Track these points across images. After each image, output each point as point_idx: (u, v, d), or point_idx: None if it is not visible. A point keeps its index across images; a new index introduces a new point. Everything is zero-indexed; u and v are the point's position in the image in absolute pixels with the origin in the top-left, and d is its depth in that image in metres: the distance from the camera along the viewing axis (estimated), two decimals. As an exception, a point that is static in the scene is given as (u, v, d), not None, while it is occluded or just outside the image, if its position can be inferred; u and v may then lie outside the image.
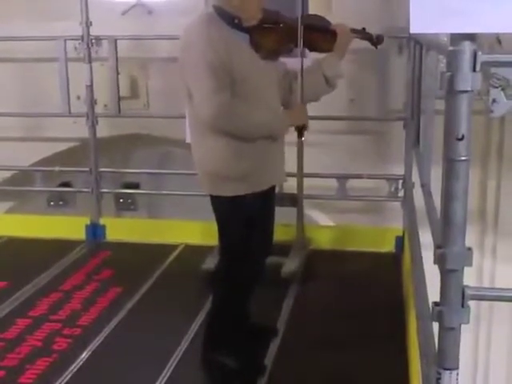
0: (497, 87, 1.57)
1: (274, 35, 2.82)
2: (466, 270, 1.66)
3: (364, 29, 3.01)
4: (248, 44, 2.75)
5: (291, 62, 2.97)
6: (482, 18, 1.50)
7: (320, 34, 2.91)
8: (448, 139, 1.59)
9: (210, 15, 2.75)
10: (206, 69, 2.61)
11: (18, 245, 4.68)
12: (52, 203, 5.10)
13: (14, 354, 3.17)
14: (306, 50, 2.98)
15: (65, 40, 4.59)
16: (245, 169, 2.77)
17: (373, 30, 3.05)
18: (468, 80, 1.53)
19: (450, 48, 1.55)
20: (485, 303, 4.42)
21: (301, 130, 2.90)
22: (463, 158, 1.58)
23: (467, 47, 1.53)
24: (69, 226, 4.79)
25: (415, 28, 1.53)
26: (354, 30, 2.97)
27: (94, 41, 4.55)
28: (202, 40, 2.66)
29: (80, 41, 4.53)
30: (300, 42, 2.83)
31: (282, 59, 2.97)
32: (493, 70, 1.57)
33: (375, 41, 3.03)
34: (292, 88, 2.96)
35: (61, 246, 4.59)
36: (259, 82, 2.75)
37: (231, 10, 2.71)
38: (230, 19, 2.71)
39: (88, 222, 4.79)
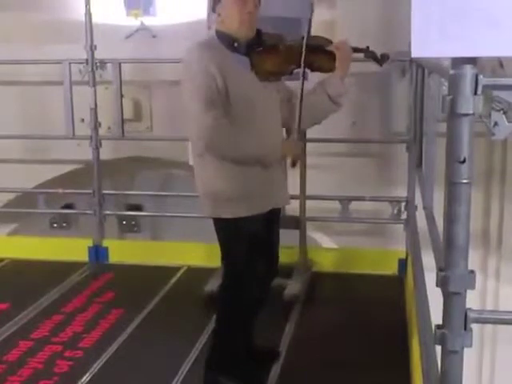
0: (498, 110, 1.58)
1: (274, 57, 2.82)
2: (469, 292, 1.65)
3: (368, 47, 2.99)
4: (248, 67, 2.76)
5: (293, 85, 2.98)
6: (483, 42, 1.51)
7: (321, 54, 2.89)
8: (450, 162, 1.59)
9: (210, 38, 2.80)
10: (197, 90, 2.65)
11: (21, 267, 4.68)
12: (55, 225, 5.12)
13: (15, 376, 3.15)
14: (308, 71, 2.97)
15: (69, 63, 4.63)
16: (246, 191, 2.78)
17: (376, 51, 3.05)
18: (469, 103, 1.54)
19: (452, 72, 1.56)
20: (488, 326, 4.40)
21: (294, 161, 2.84)
22: (465, 181, 1.58)
23: (468, 71, 1.53)
24: (72, 248, 4.80)
25: (417, 52, 1.54)
26: (357, 49, 2.95)
27: (98, 64, 4.59)
28: (195, 62, 2.70)
29: (85, 64, 4.57)
30: (302, 63, 2.80)
31: (285, 82, 2.99)
32: (494, 93, 1.58)
33: (380, 59, 3.01)
34: (295, 108, 2.95)
35: (63, 268, 4.58)
36: (259, 104, 2.77)
37: (227, 31, 2.75)
38: (229, 42, 2.75)
39: (91, 244, 4.80)
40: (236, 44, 2.75)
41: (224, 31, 2.76)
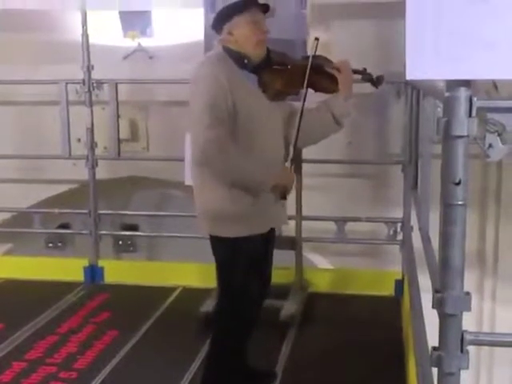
0: (493, 132, 1.59)
1: (282, 77, 2.84)
2: (466, 314, 1.65)
3: (365, 69, 3.02)
4: (256, 85, 2.78)
5: (296, 105, 2.98)
6: (478, 65, 1.53)
7: (326, 75, 2.90)
8: (445, 184, 1.60)
9: (219, 55, 2.79)
10: (204, 105, 2.64)
11: (16, 287, 4.65)
12: (50, 245, 5.10)
13: (8, 398, 3.13)
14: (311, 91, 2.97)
15: (66, 83, 4.65)
16: (246, 210, 2.77)
17: (372, 73, 3.07)
18: (464, 125, 1.55)
19: (446, 94, 1.57)
20: (485, 348, 4.38)
21: (284, 192, 2.81)
22: (460, 203, 1.59)
23: (463, 93, 1.55)
24: (67, 268, 4.78)
25: (411, 74, 1.55)
26: (356, 71, 2.97)
27: (95, 84, 4.60)
28: (205, 77, 2.70)
29: (81, 84, 4.59)
30: (305, 83, 2.80)
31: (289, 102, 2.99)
32: (489, 115, 1.59)
33: (375, 81, 3.03)
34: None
35: (59, 288, 4.56)
36: (264, 122, 2.78)
37: (234, 47, 2.76)
38: (239, 59, 2.76)
39: (86, 264, 4.78)
40: (246, 61, 2.77)
41: (234, 49, 2.77)
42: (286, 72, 2.85)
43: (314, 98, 2.94)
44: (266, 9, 2.83)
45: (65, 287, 4.59)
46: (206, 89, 2.67)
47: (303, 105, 2.79)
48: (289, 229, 4.20)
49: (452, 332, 1.63)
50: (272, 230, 2.97)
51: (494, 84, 3.77)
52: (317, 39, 2.82)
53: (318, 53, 2.86)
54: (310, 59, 2.81)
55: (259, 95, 2.79)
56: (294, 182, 2.89)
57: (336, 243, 4.71)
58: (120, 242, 5.54)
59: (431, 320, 2.06)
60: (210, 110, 2.63)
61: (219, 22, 2.81)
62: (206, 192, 2.81)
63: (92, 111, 4.61)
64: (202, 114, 2.65)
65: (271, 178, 2.77)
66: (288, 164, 2.84)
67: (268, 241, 2.95)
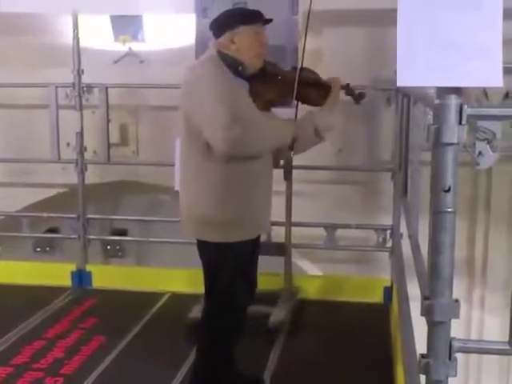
0: (483, 140, 1.59)
1: (273, 87, 2.87)
2: (454, 321, 1.65)
3: (348, 84, 3.08)
4: (247, 92, 2.78)
5: (282, 113, 2.99)
6: (468, 72, 1.53)
7: (314, 88, 2.95)
8: (435, 191, 1.60)
9: (213, 58, 2.77)
10: (217, 103, 2.61)
11: (3, 291, 4.61)
12: (38, 249, 5.06)
13: (-6, 403, 3.11)
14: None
15: (56, 87, 4.63)
16: (234, 215, 2.77)
17: (362, 81, 3.10)
18: (454, 133, 1.55)
19: (437, 101, 1.57)
20: (474, 355, 4.39)
21: (293, 142, 2.86)
22: (450, 210, 1.59)
23: (453, 101, 1.55)
24: (55, 273, 4.75)
25: (402, 81, 1.56)
26: (342, 87, 3.03)
27: (85, 88, 4.59)
28: (207, 77, 2.69)
29: (71, 88, 4.57)
30: (294, 95, 2.84)
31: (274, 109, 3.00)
32: (479, 122, 1.59)
33: (357, 96, 3.10)
34: None
35: (46, 293, 4.53)
36: None
37: (232, 54, 2.76)
38: (233, 66, 2.75)
39: (74, 269, 4.75)
40: (240, 68, 2.76)
41: (231, 55, 2.76)
42: (276, 83, 2.88)
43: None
44: (267, 22, 2.83)
45: (52, 292, 4.56)
46: (211, 88, 2.64)
47: (296, 115, 2.82)
48: (278, 235, 4.20)
49: (440, 339, 1.63)
50: (259, 236, 2.97)
51: (485, 92, 3.79)
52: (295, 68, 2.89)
53: (309, 59, 2.88)
54: (298, 73, 2.86)
55: (250, 103, 2.79)
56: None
57: (325, 250, 4.70)
58: (108, 247, 5.53)
59: (420, 327, 2.06)
60: (223, 106, 2.60)
61: (222, 26, 2.79)
62: (195, 197, 2.80)
63: (82, 115, 4.59)
64: (215, 111, 2.60)
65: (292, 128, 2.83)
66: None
67: (255, 246, 2.95)
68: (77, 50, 4.49)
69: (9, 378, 3.35)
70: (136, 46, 5.15)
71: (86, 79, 4.58)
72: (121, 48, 5.12)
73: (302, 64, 2.91)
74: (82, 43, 4.54)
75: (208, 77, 2.70)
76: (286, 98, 2.92)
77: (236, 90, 2.72)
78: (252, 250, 2.90)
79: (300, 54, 3.01)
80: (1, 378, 3.35)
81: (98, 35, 5.10)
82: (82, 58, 4.52)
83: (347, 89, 3.08)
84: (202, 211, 2.79)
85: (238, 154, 2.68)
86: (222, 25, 2.79)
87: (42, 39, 5.02)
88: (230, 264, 2.81)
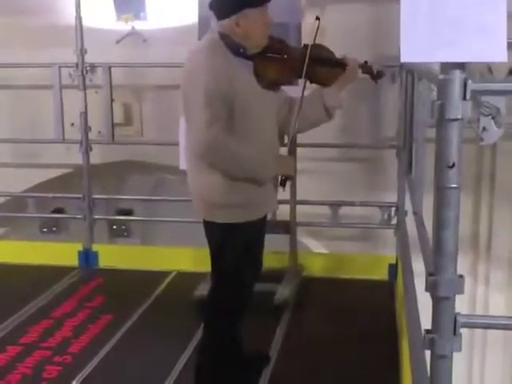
0: (487, 115, 1.59)
1: (277, 66, 2.78)
2: (459, 297, 1.66)
3: (366, 62, 2.99)
4: (251, 72, 2.74)
5: (291, 91, 2.95)
6: (472, 48, 1.52)
7: (325, 68, 2.85)
8: (439, 167, 1.59)
9: (214, 41, 2.73)
10: (204, 100, 2.60)
11: (10, 271, 4.65)
12: (45, 229, 5.10)
13: (3, 382, 3.14)
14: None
15: (59, 67, 4.62)
16: (242, 198, 2.77)
17: (366, 58, 3.06)
18: (458, 108, 1.54)
19: (441, 77, 1.56)
20: (478, 330, 4.41)
21: (285, 181, 2.80)
22: (454, 186, 1.58)
23: (457, 76, 1.54)
24: (61, 253, 4.77)
25: (406, 57, 1.55)
26: (361, 66, 2.94)
27: (88, 68, 4.58)
28: (204, 69, 2.65)
29: (75, 68, 4.56)
30: (303, 75, 2.77)
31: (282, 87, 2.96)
32: (483, 98, 1.58)
33: (375, 75, 3.01)
34: (291, 114, 2.89)
35: (53, 273, 4.56)
36: (258, 110, 2.74)
37: (236, 38, 2.71)
38: (235, 47, 2.71)
39: (81, 249, 4.78)
40: (242, 50, 2.72)
41: (235, 38, 2.71)
42: (281, 61, 2.80)
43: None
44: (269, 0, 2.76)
45: (59, 272, 4.59)
46: (205, 83, 2.61)
47: (303, 95, 2.76)
48: (283, 213, 4.21)
49: (445, 315, 1.64)
50: (265, 216, 2.98)
51: (489, 67, 3.77)
52: (318, 19, 2.76)
53: (310, 36, 2.82)
54: (309, 49, 2.76)
55: (254, 83, 2.76)
56: (295, 169, 2.86)
57: (330, 227, 4.71)
58: (114, 227, 5.55)
59: (424, 304, 2.07)
60: (210, 107, 2.59)
61: (226, 8, 2.71)
62: (202, 178, 2.79)
63: (85, 95, 4.59)
64: (202, 110, 2.60)
65: (272, 169, 2.78)
66: (286, 152, 2.83)
67: (262, 226, 2.95)
68: (79, 30, 4.47)
69: (18, 357, 3.38)
70: (139, 25, 5.12)
71: (89, 59, 4.57)
72: (123, 27, 5.10)
73: (314, 40, 2.79)
74: (85, 23, 4.52)
75: (202, 71, 2.65)
76: (293, 76, 2.86)
77: (238, 74, 2.68)
78: (259, 229, 2.91)
79: (304, 32, 2.96)
80: (10, 357, 3.39)
81: (100, 14, 5.07)
82: (84, 38, 4.50)
83: (365, 67, 2.97)
84: (207, 193, 2.79)
85: (210, 156, 2.66)
86: (226, 7, 2.72)
87: (44, 19, 4.99)
88: (236, 244, 2.82)
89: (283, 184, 2.81)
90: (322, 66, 2.85)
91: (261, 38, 2.75)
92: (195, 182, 2.84)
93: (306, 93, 2.84)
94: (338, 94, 2.89)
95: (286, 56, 2.82)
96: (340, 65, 2.86)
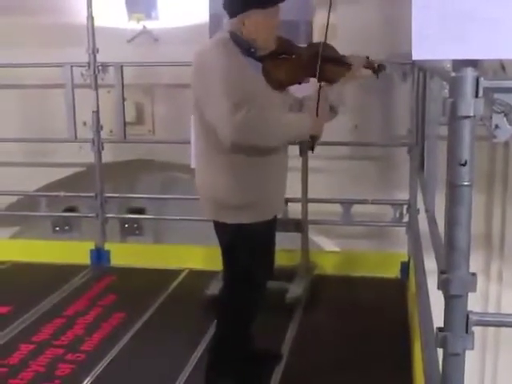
0: (499, 113, 1.58)
1: (287, 67, 2.80)
2: (472, 295, 1.65)
3: (367, 57, 3.01)
4: (260, 73, 2.74)
5: (297, 88, 2.97)
6: (484, 44, 1.51)
7: (333, 67, 2.87)
8: (451, 164, 1.59)
9: (225, 40, 2.72)
10: (222, 91, 2.59)
11: (23, 270, 4.68)
12: (57, 228, 5.11)
13: (16, 379, 3.15)
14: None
15: (71, 66, 4.64)
16: (251, 198, 2.77)
17: (378, 56, 3.06)
18: (470, 106, 1.54)
19: (453, 74, 1.56)
20: (491, 328, 4.39)
21: (314, 143, 2.82)
22: (466, 183, 1.58)
23: (469, 73, 1.53)
24: (73, 251, 4.80)
25: (417, 54, 1.54)
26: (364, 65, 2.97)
27: (100, 67, 4.60)
28: (217, 61, 2.65)
29: (87, 67, 4.58)
30: (317, 73, 2.76)
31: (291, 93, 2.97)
32: (495, 95, 1.58)
33: (376, 69, 3.03)
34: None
35: (65, 271, 4.59)
36: (269, 110, 2.74)
37: (247, 37, 2.71)
38: (245, 47, 2.71)
39: (93, 247, 4.80)
40: (252, 49, 2.72)
41: (243, 37, 2.71)
42: (290, 62, 2.82)
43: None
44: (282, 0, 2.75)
45: (71, 270, 4.61)
46: (220, 75, 2.60)
47: (319, 95, 2.74)
48: (295, 211, 4.20)
49: (457, 313, 1.63)
50: (275, 216, 2.98)
51: (502, 64, 3.75)
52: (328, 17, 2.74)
53: (322, 34, 2.82)
54: (321, 49, 2.76)
55: (264, 83, 2.76)
56: (322, 131, 2.85)
57: (342, 225, 4.71)
58: (126, 226, 5.56)
59: (436, 302, 2.07)
60: (229, 96, 2.57)
61: (235, 7, 2.73)
62: (212, 179, 2.79)
63: (97, 94, 4.61)
64: (221, 101, 2.58)
65: (311, 128, 2.77)
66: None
67: (272, 226, 2.96)
68: (91, 29, 4.49)
69: (31, 355, 3.40)
70: (150, 24, 5.13)
71: (101, 58, 4.58)
72: (135, 26, 5.11)
73: (325, 39, 2.79)
74: (96, 22, 4.53)
75: (215, 63, 2.65)
76: (302, 76, 2.87)
77: (247, 74, 2.68)
78: (268, 229, 2.91)
79: (314, 30, 2.96)
80: (23, 355, 3.40)
81: (111, 14, 5.09)
82: (96, 37, 4.52)
83: (367, 63, 2.99)
84: (216, 194, 2.79)
85: (244, 141, 2.63)
86: (235, 6, 2.74)
87: (56, 19, 5.01)
88: (246, 244, 2.82)
89: (312, 147, 2.82)
90: (331, 64, 2.86)
91: (266, 40, 2.74)
92: (205, 182, 2.84)
93: (309, 91, 2.86)
94: (341, 92, 2.90)
95: (294, 56, 2.84)
96: (346, 64, 2.90)
